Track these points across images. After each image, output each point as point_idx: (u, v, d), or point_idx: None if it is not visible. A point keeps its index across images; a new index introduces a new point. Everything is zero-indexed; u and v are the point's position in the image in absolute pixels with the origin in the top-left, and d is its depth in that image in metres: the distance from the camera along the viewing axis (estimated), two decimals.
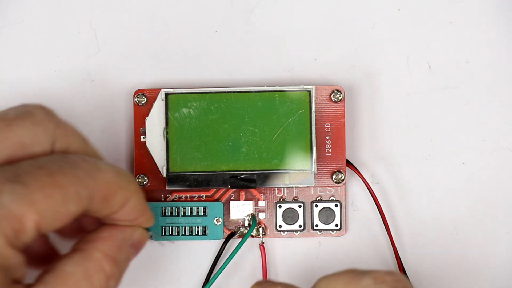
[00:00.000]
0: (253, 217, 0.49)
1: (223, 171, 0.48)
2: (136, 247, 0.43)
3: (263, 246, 0.50)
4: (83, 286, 0.39)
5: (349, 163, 0.49)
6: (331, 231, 0.50)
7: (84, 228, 0.44)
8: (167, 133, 0.48)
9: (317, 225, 0.49)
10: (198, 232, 0.49)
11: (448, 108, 0.50)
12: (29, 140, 0.39)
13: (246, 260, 0.50)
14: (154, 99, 0.49)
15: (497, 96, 0.50)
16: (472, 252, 0.50)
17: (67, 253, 0.40)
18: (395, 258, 0.49)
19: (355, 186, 0.50)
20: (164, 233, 0.49)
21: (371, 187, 0.49)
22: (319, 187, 0.49)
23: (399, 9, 0.50)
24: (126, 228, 0.42)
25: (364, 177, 0.49)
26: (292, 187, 0.49)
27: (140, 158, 0.49)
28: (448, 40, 0.50)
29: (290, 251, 0.50)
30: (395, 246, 0.49)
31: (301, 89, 0.48)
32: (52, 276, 0.39)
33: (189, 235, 0.49)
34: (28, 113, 0.39)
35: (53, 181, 0.37)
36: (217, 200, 0.49)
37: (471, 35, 0.50)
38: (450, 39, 0.50)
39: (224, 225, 0.49)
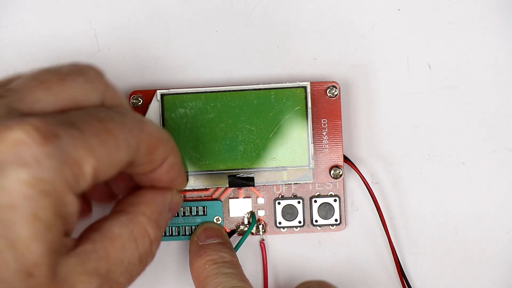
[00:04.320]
0: (252, 214, 0.49)
1: (221, 170, 0.48)
2: (173, 211, 0.44)
3: (264, 243, 0.50)
4: (130, 249, 0.39)
5: (347, 160, 0.49)
6: (331, 226, 0.50)
7: (115, 194, 0.44)
8: None
9: (316, 221, 0.49)
10: None
11: (448, 108, 0.50)
12: (81, 96, 0.39)
13: (247, 258, 0.50)
14: (149, 100, 0.49)
15: (497, 96, 0.50)
16: (472, 252, 0.50)
17: (111, 214, 0.40)
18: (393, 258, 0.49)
19: (353, 181, 0.50)
20: (164, 234, 0.49)
21: (368, 183, 0.49)
22: (318, 182, 0.49)
23: (399, 9, 0.50)
24: (165, 191, 0.43)
25: (362, 173, 0.49)
26: (291, 183, 0.49)
27: None
28: (448, 40, 0.50)
29: (290, 247, 0.50)
30: (393, 245, 0.49)
31: (296, 85, 0.48)
32: (100, 235, 0.38)
33: (189, 235, 0.49)
34: (81, 71, 0.39)
35: (105, 127, 0.37)
36: (216, 199, 0.50)
37: (471, 35, 0.50)
38: (450, 39, 0.50)
39: (224, 224, 0.50)
